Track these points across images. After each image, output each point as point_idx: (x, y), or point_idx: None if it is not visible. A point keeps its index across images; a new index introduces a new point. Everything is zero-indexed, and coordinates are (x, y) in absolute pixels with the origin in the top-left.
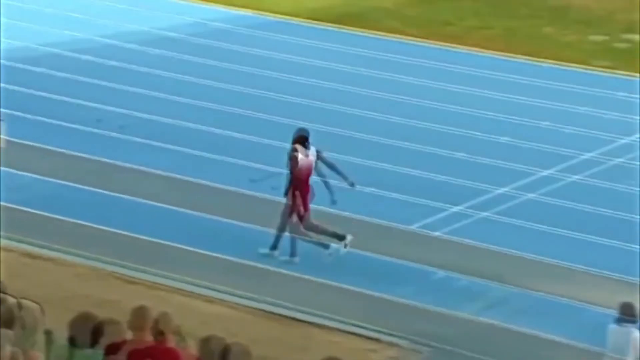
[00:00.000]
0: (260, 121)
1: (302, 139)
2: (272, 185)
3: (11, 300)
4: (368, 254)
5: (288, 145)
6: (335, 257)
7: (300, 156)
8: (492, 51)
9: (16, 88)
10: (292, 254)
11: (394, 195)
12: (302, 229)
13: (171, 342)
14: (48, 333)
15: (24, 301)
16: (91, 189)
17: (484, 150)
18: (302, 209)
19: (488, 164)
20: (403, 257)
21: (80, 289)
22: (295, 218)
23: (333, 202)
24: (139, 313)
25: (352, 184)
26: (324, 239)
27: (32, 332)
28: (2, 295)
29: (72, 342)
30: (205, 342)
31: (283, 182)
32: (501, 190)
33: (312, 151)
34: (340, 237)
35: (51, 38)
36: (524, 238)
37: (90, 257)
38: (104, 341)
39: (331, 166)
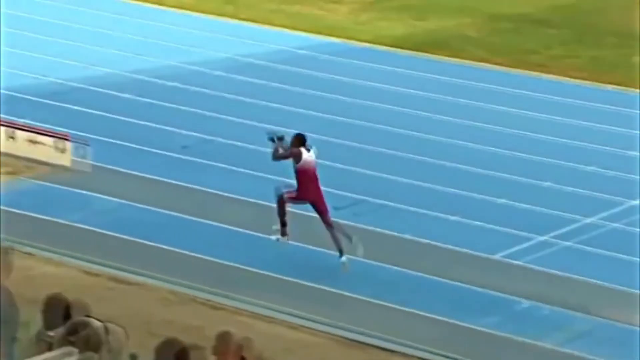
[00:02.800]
0: (342, 147)
1: (301, 141)
2: (355, 212)
3: (97, 323)
4: (452, 282)
5: (370, 172)
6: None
7: (304, 152)
8: (577, 80)
9: (102, 114)
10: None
11: (479, 223)
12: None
13: None
14: (133, 357)
15: (109, 325)
16: (175, 214)
17: (570, 179)
18: (295, 195)
19: (574, 192)
20: (487, 286)
21: (163, 313)
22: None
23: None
24: (223, 338)
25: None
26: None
27: (117, 355)
28: (88, 319)
29: None
30: None
31: (365, 210)
32: (587, 220)
33: (313, 152)
34: (349, 239)
35: (137, 65)
36: (609, 268)
37: (174, 282)
38: None
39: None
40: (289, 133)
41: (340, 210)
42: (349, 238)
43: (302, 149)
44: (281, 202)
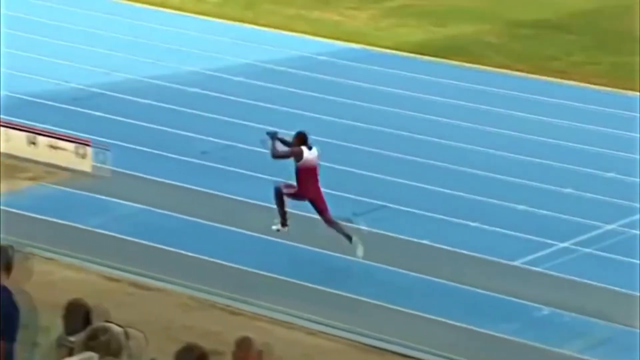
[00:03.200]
0: (362, 153)
1: (302, 139)
2: (374, 218)
3: (118, 329)
4: (471, 288)
5: (389, 178)
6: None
7: (306, 151)
8: (598, 86)
9: (123, 119)
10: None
11: (499, 230)
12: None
13: None
14: None
15: (129, 330)
16: (194, 219)
17: (590, 185)
18: (294, 192)
19: (595, 199)
20: (507, 292)
21: (183, 319)
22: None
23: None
24: (243, 344)
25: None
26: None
27: None
28: (108, 324)
29: None
30: None
31: (385, 216)
32: (608, 227)
33: (314, 150)
34: (349, 239)
35: (157, 71)
36: (630, 275)
37: (193, 288)
38: None
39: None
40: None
41: (360, 216)
42: (349, 238)
43: (304, 148)
44: (279, 195)
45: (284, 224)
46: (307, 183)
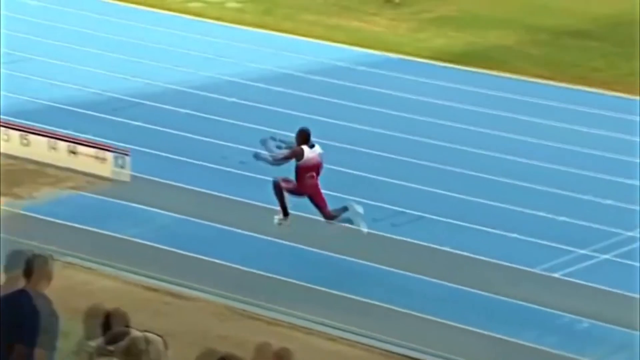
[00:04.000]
0: (381, 159)
1: (305, 137)
2: (392, 223)
3: (137, 333)
4: (492, 295)
5: (409, 184)
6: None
7: (306, 150)
8: (618, 92)
9: (141, 124)
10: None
11: (519, 236)
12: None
13: None
14: None
15: (149, 334)
16: (216, 225)
17: (610, 192)
18: (292, 187)
19: (615, 206)
20: (527, 299)
21: (219, 328)
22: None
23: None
24: (262, 349)
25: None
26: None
27: None
28: (128, 328)
29: None
30: None
31: (404, 222)
32: (629, 234)
33: (317, 148)
34: (345, 209)
35: (178, 77)
36: None
37: (229, 297)
38: None
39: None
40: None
41: (379, 222)
42: (346, 209)
43: (305, 147)
44: (278, 188)
45: (285, 215)
46: (306, 180)
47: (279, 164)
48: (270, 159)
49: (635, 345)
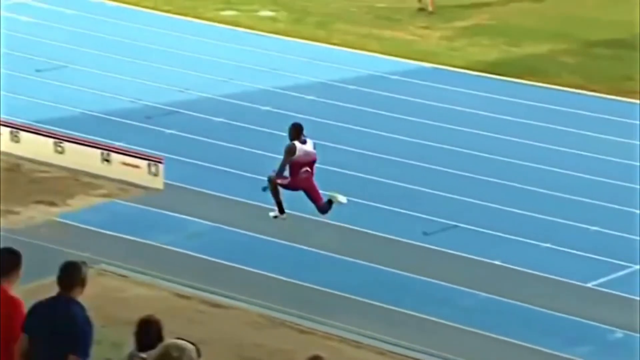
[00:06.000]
0: (433, 172)
1: (297, 132)
2: (445, 237)
3: (189, 346)
4: (544, 310)
5: (460, 197)
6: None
7: (298, 145)
8: None
9: (175, 132)
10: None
11: (571, 251)
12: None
13: None
14: None
15: (182, 342)
16: (250, 233)
17: None
18: (287, 182)
19: None
20: (580, 314)
21: (254, 337)
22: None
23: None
24: None
25: None
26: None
27: None
28: (180, 341)
29: None
30: None
31: (455, 235)
32: None
33: (309, 144)
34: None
35: (230, 89)
36: None
37: (264, 306)
38: None
39: None
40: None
41: (430, 236)
42: (331, 202)
43: (297, 142)
44: (273, 184)
45: (281, 211)
46: (301, 175)
47: (282, 172)
48: (273, 174)
49: None
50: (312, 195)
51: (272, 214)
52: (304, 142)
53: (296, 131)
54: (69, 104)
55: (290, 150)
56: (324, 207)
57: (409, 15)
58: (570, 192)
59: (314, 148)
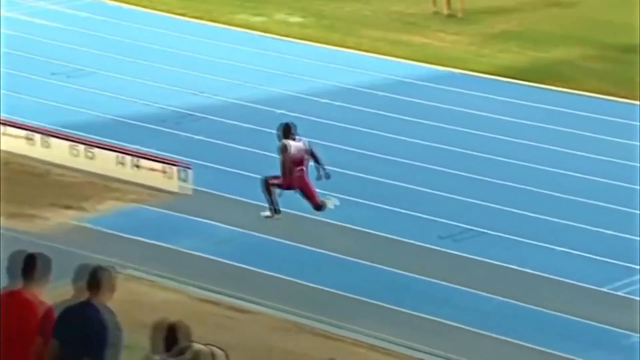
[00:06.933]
0: (450, 176)
1: (287, 131)
2: (455, 240)
3: (204, 348)
4: (560, 314)
5: (480, 202)
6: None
7: (290, 144)
8: None
9: (203, 138)
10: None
11: (587, 255)
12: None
13: None
14: None
15: (212, 348)
16: (277, 239)
17: None
18: (280, 182)
19: None
20: (595, 318)
21: (281, 342)
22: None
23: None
24: None
25: (327, 176)
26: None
27: None
28: (194, 343)
29: None
30: None
31: (472, 239)
32: None
33: (301, 140)
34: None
35: (245, 92)
36: None
37: (291, 312)
38: None
39: (314, 156)
40: (392, 161)
41: (446, 240)
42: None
43: (288, 141)
44: (266, 185)
45: (276, 211)
46: (295, 174)
47: (286, 171)
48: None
49: None
50: (307, 193)
51: (263, 213)
52: (295, 141)
53: (286, 130)
54: (86, 107)
55: (283, 149)
56: (320, 205)
57: (439, 21)
58: (587, 196)
59: (309, 146)
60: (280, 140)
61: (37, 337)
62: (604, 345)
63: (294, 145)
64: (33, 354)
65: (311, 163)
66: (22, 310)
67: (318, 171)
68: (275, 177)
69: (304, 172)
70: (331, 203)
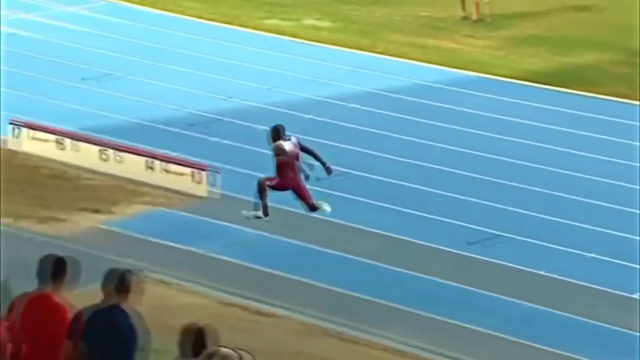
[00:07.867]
0: (476, 181)
1: (278, 133)
2: (484, 245)
3: (232, 353)
4: (589, 320)
5: (505, 207)
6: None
7: (285, 145)
8: None
9: (230, 143)
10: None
11: (616, 261)
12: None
13: None
14: None
15: (240, 352)
16: (305, 244)
17: None
18: (275, 183)
19: None
20: (625, 325)
21: (305, 346)
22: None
23: (306, 178)
24: None
25: (329, 171)
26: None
27: None
28: (222, 348)
29: None
30: None
31: (499, 245)
32: None
33: (293, 140)
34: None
35: (274, 97)
36: None
37: (313, 316)
38: None
39: (309, 152)
40: (420, 166)
41: (474, 245)
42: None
43: (281, 142)
44: (261, 186)
45: (266, 214)
46: (287, 174)
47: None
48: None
49: None
50: (300, 194)
51: (249, 213)
52: (287, 140)
53: (276, 134)
54: (116, 111)
55: (278, 151)
56: (314, 205)
57: (468, 27)
58: (616, 202)
59: (297, 142)
60: (270, 144)
61: (66, 340)
62: (633, 352)
63: (288, 146)
64: (62, 357)
65: (311, 162)
66: (52, 313)
67: (311, 168)
68: (270, 179)
69: (297, 172)
70: (326, 205)
